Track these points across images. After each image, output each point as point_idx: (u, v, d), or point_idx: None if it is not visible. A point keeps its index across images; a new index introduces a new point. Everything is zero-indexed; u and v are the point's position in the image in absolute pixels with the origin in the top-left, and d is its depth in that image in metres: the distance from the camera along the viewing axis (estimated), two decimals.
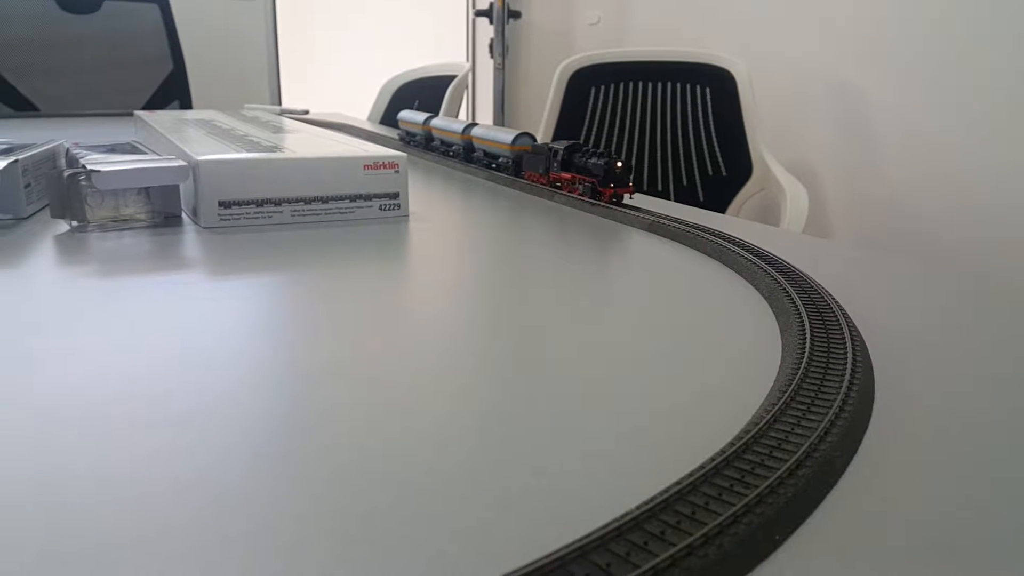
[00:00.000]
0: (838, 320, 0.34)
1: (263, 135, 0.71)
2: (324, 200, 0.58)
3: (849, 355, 0.29)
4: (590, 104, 1.56)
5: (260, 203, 0.56)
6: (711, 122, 1.50)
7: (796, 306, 0.36)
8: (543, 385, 0.29)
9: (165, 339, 0.33)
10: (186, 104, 1.85)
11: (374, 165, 0.59)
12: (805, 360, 0.29)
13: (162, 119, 0.89)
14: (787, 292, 0.38)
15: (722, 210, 1.42)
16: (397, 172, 0.60)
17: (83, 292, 0.39)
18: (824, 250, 0.54)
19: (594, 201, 0.64)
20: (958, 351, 0.34)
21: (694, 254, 0.51)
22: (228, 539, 0.19)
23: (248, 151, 0.58)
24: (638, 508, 0.19)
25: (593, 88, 1.56)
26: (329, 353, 0.32)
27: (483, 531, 0.20)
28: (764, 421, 0.24)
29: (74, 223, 0.54)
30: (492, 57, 2.74)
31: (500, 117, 2.75)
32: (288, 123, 0.89)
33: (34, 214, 0.59)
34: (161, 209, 0.57)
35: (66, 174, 0.52)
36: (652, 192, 1.53)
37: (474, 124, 0.87)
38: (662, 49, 1.57)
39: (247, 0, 2.39)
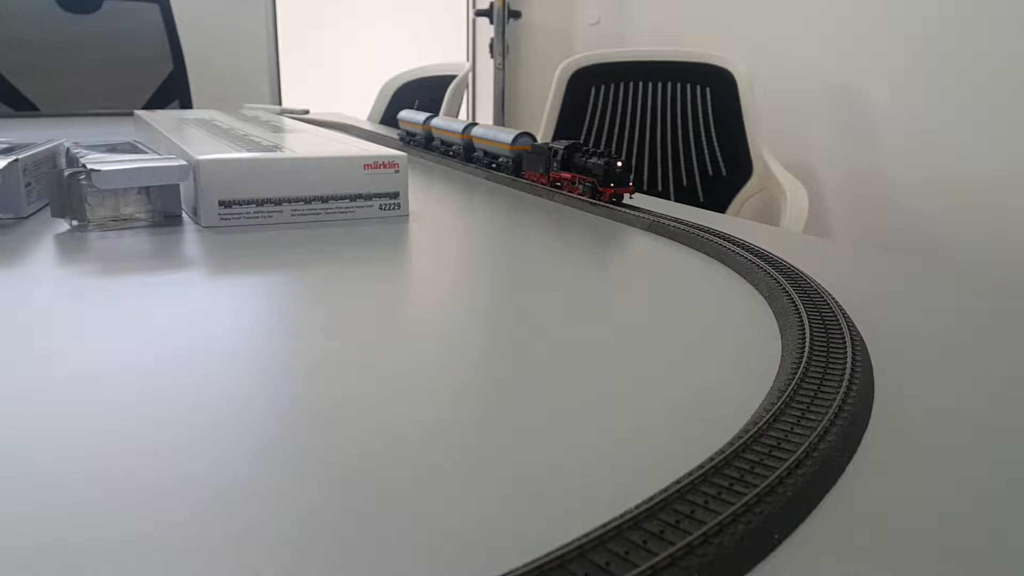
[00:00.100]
0: (838, 320, 0.34)
1: (263, 135, 0.71)
2: (324, 200, 0.58)
3: (849, 355, 0.30)
4: (590, 104, 1.56)
5: (260, 203, 0.56)
6: (711, 122, 1.50)
7: (796, 306, 0.36)
8: (542, 384, 0.29)
9: (165, 338, 0.33)
10: (186, 104, 1.85)
11: (374, 165, 0.59)
12: (805, 360, 0.29)
13: (162, 119, 0.89)
14: (787, 292, 0.38)
15: (722, 210, 1.42)
16: (397, 172, 0.60)
17: (83, 291, 0.39)
18: (824, 250, 0.54)
19: (594, 201, 0.64)
20: (958, 351, 0.34)
21: (694, 254, 0.51)
22: (228, 538, 0.19)
23: (248, 151, 0.58)
24: (637, 507, 0.19)
25: (593, 88, 1.56)
26: (329, 353, 0.32)
27: (483, 530, 0.20)
28: (764, 420, 0.24)
29: (74, 222, 0.54)
30: (492, 57, 2.74)
31: (500, 117, 2.75)
32: (288, 123, 0.89)
33: (34, 213, 0.59)
34: (161, 209, 0.57)
35: (66, 173, 0.52)
36: (652, 192, 1.53)
37: (474, 124, 0.87)
38: (662, 49, 1.57)
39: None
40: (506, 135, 0.78)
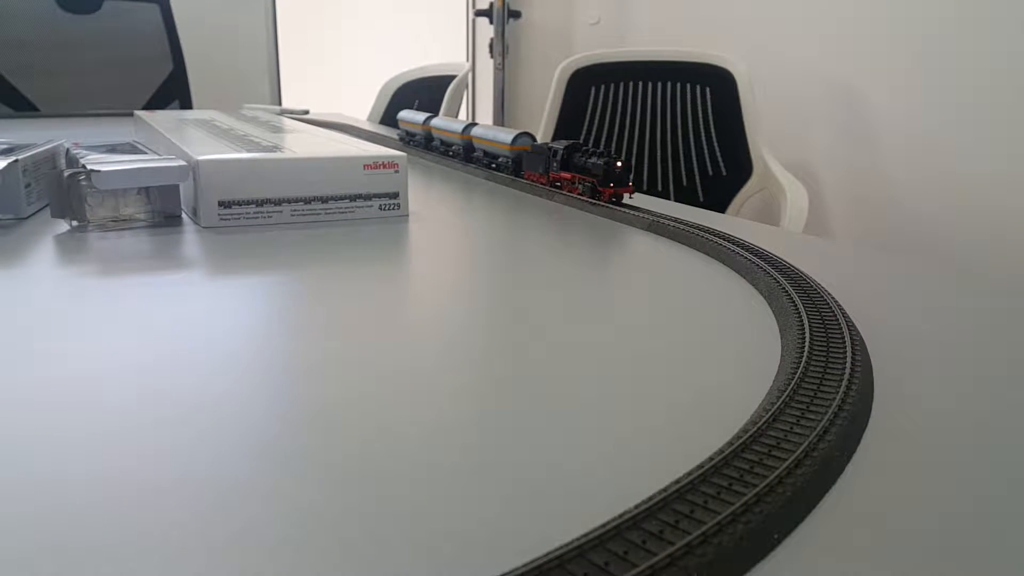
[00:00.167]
0: (837, 320, 0.34)
1: (263, 135, 0.71)
2: (324, 200, 0.58)
3: (848, 355, 0.30)
4: (590, 104, 1.56)
5: (260, 203, 0.56)
6: (711, 122, 1.50)
7: (795, 305, 0.36)
8: (542, 384, 0.29)
9: (165, 338, 0.33)
10: (186, 104, 1.85)
11: (374, 165, 0.59)
12: (804, 359, 0.29)
13: (162, 119, 0.89)
14: (786, 291, 0.38)
15: (722, 210, 1.42)
16: (397, 172, 0.60)
17: (83, 292, 0.39)
18: (824, 250, 0.54)
19: (594, 201, 0.64)
20: (958, 351, 0.34)
21: (694, 254, 0.51)
22: (228, 538, 0.19)
23: (248, 151, 0.58)
24: (636, 507, 0.19)
25: (593, 88, 1.56)
26: (328, 353, 0.32)
27: (482, 530, 0.20)
28: (763, 420, 0.24)
29: (74, 223, 0.54)
30: (492, 57, 2.74)
31: (500, 117, 2.75)
32: (288, 123, 0.89)
33: (34, 214, 0.59)
34: (161, 209, 0.57)
35: (66, 174, 0.52)
36: (652, 192, 1.53)
37: (474, 124, 0.87)
38: (662, 49, 1.57)
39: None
40: (506, 135, 0.78)
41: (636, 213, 0.59)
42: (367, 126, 1.46)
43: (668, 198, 1.49)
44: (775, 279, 0.40)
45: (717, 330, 0.36)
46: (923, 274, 0.47)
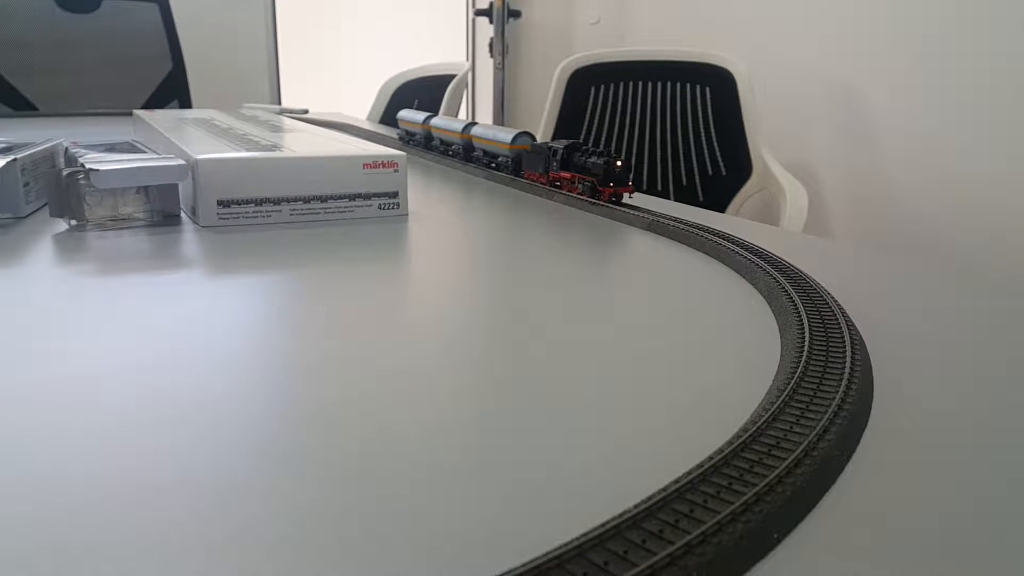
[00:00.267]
0: (837, 319, 0.34)
1: (262, 134, 0.71)
2: (323, 199, 0.58)
3: (848, 354, 0.29)
4: (590, 103, 1.56)
5: (259, 202, 0.56)
6: (711, 122, 1.50)
7: (795, 305, 0.36)
8: (542, 384, 0.29)
9: (164, 338, 0.33)
10: (185, 103, 1.85)
11: (373, 164, 0.59)
12: (804, 359, 0.29)
13: (161, 118, 0.89)
14: (786, 291, 0.38)
15: (722, 210, 1.42)
16: (396, 171, 0.60)
17: (82, 291, 0.39)
18: (824, 250, 0.54)
19: (594, 200, 0.64)
20: (958, 351, 0.34)
21: (694, 253, 0.50)
22: (227, 537, 0.19)
23: (247, 150, 0.58)
24: (636, 506, 0.19)
25: (593, 87, 1.56)
26: (328, 352, 0.32)
27: (482, 530, 0.20)
28: (763, 420, 0.24)
29: (73, 222, 0.54)
30: (492, 56, 2.74)
31: (500, 116, 2.74)
32: (287, 122, 0.89)
33: (33, 213, 0.59)
34: (160, 208, 0.57)
35: (65, 173, 0.52)
36: (652, 192, 1.53)
37: (474, 123, 0.87)
38: (662, 49, 1.57)
39: None
40: (505, 135, 0.78)
41: (636, 213, 0.59)
42: (367, 125, 1.45)
43: (668, 198, 1.49)
44: (775, 279, 0.40)
45: (717, 330, 0.36)
46: (923, 274, 0.47)
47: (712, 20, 1.99)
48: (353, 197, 0.59)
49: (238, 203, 0.55)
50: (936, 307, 0.40)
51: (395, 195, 0.61)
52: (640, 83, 1.54)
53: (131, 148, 0.64)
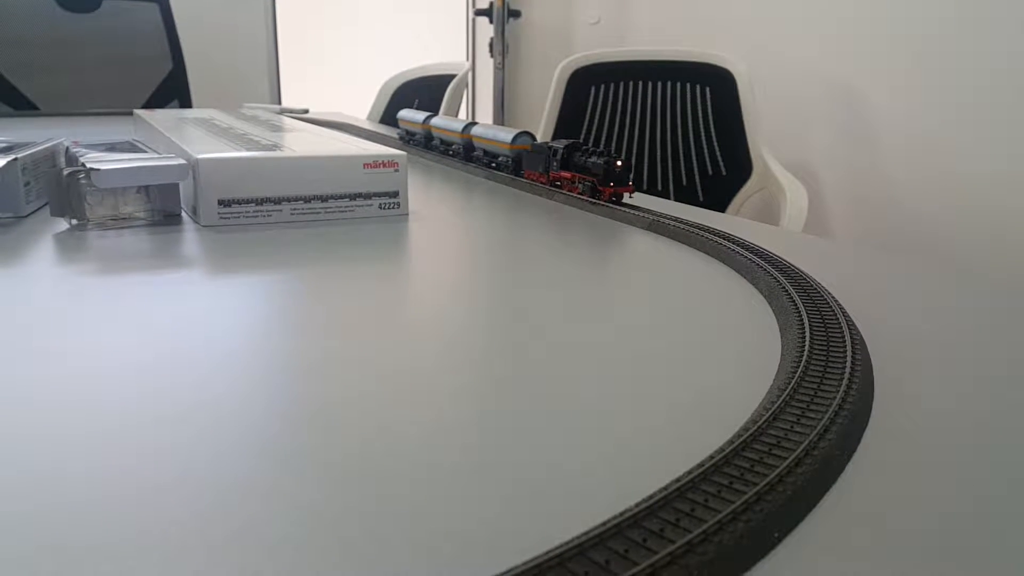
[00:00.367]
0: (837, 319, 0.34)
1: (263, 134, 0.71)
2: (324, 199, 0.58)
3: (848, 354, 0.29)
4: (590, 103, 1.56)
5: (260, 202, 0.56)
6: (711, 122, 1.50)
7: (795, 305, 0.36)
8: (542, 383, 0.29)
9: (164, 337, 0.33)
10: (186, 103, 1.85)
11: (374, 164, 0.59)
12: (804, 358, 0.29)
13: (162, 118, 0.89)
14: (786, 291, 0.38)
15: (722, 210, 1.42)
16: (397, 171, 0.60)
17: (82, 290, 0.39)
18: (824, 249, 0.54)
19: (594, 200, 0.64)
20: (958, 351, 0.34)
21: (694, 253, 0.51)
22: (227, 536, 0.19)
23: (248, 150, 0.58)
24: (637, 505, 0.19)
25: (593, 87, 1.56)
26: (328, 352, 0.32)
27: (482, 530, 0.20)
28: (763, 419, 0.24)
29: (73, 221, 0.54)
30: (492, 56, 2.74)
31: (500, 116, 2.74)
32: (287, 122, 0.89)
33: (34, 212, 0.59)
34: (160, 208, 0.57)
35: (66, 172, 0.52)
36: (652, 191, 1.53)
37: (474, 123, 0.87)
38: (662, 49, 1.57)
39: None
40: (506, 134, 0.78)
41: (636, 212, 0.59)
42: (367, 125, 1.45)
43: (668, 198, 1.49)
44: (775, 278, 0.40)
45: (717, 329, 0.36)
46: (923, 274, 0.47)
47: (712, 20, 1.99)
48: (353, 197, 0.59)
49: (239, 202, 0.56)
50: (936, 307, 0.40)
51: (395, 195, 0.61)
52: (640, 83, 1.54)
53: (132, 148, 0.64)
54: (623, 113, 1.55)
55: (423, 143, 1.01)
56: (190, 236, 0.52)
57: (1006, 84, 1.42)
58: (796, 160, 1.74)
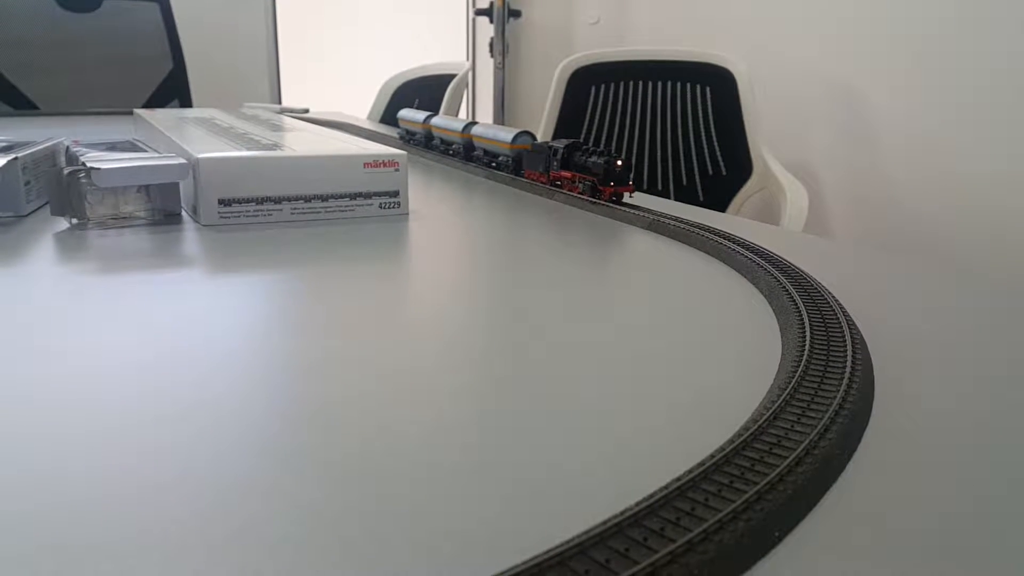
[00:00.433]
0: (838, 318, 0.34)
1: (263, 133, 0.71)
2: (324, 198, 0.58)
3: (849, 353, 0.29)
4: (590, 103, 1.56)
5: (260, 201, 0.56)
6: (711, 121, 1.50)
7: (796, 304, 0.36)
8: (542, 383, 0.29)
9: (165, 336, 0.33)
10: (186, 103, 1.85)
11: (374, 163, 0.59)
12: (805, 358, 0.29)
13: (162, 117, 0.89)
14: (787, 290, 0.38)
15: (722, 209, 1.42)
16: (397, 170, 0.60)
17: (83, 289, 0.39)
18: (824, 249, 0.54)
19: (594, 200, 0.64)
20: (958, 351, 0.34)
21: (694, 252, 0.51)
22: (227, 536, 0.19)
23: (248, 149, 0.58)
24: (638, 504, 0.19)
25: (593, 87, 1.56)
26: (328, 351, 0.32)
27: (483, 529, 0.20)
28: (764, 418, 0.24)
29: (74, 221, 0.54)
30: (492, 56, 2.74)
31: (500, 116, 2.74)
32: (288, 121, 0.89)
33: (34, 212, 0.59)
34: (161, 207, 0.57)
35: (66, 171, 0.52)
36: (652, 191, 1.53)
37: (474, 123, 0.87)
38: (662, 48, 1.57)
39: None
40: (506, 134, 0.78)
41: (636, 212, 0.59)
42: (367, 125, 1.45)
43: (668, 198, 1.49)
44: (775, 278, 0.40)
45: (718, 329, 0.36)
46: (923, 274, 0.47)
47: (712, 20, 1.99)
48: (354, 196, 0.59)
49: (239, 202, 0.56)
50: (936, 307, 0.40)
51: (396, 194, 0.61)
52: (640, 83, 1.54)
53: (132, 147, 0.64)
54: (623, 113, 1.55)
55: (423, 143, 1.01)
56: (190, 235, 0.52)
57: (1006, 84, 1.42)
58: (796, 160, 1.74)
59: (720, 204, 1.47)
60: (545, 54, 2.56)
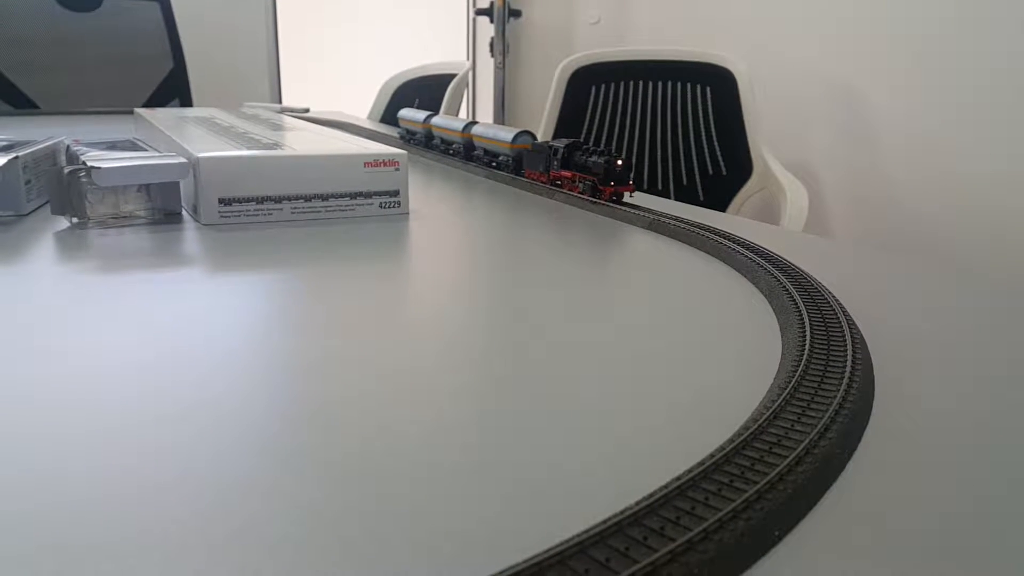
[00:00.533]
0: (838, 318, 0.34)
1: (263, 133, 0.71)
2: (324, 198, 0.58)
3: (849, 353, 0.29)
4: (590, 103, 1.56)
5: (260, 200, 0.56)
6: (711, 121, 1.50)
7: (796, 304, 0.36)
8: (542, 383, 0.29)
9: (165, 336, 0.33)
10: (186, 102, 1.85)
11: (374, 163, 0.59)
12: (805, 357, 0.29)
13: (162, 117, 0.89)
14: (787, 290, 0.38)
15: (722, 209, 1.42)
16: (397, 170, 0.60)
17: (83, 289, 0.39)
18: (824, 249, 0.54)
19: (594, 199, 0.64)
20: (958, 350, 0.34)
21: (694, 252, 0.51)
22: (228, 535, 0.19)
23: (248, 148, 0.58)
24: (638, 503, 0.19)
25: (593, 87, 1.56)
26: (328, 351, 0.32)
27: (483, 529, 0.20)
28: (764, 418, 0.24)
29: (74, 220, 0.54)
30: (492, 56, 2.74)
31: (500, 115, 2.74)
32: (288, 121, 0.89)
33: (34, 211, 0.59)
34: (161, 206, 0.57)
35: (66, 171, 0.52)
36: (652, 191, 1.52)
37: (474, 122, 0.87)
38: (662, 48, 1.57)
39: None
40: (506, 134, 0.78)
41: (636, 212, 0.59)
42: (367, 124, 1.45)
43: (668, 197, 1.49)
44: (776, 277, 0.40)
45: (718, 328, 0.36)
46: (923, 274, 0.47)
47: (712, 20, 1.99)
48: (354, 195, 0.59)
49: (239, 201, 0.56)
50: (936, 307, 0.40)
51: (396, 194, 0.61)
52: (640, 83, 1.54)
53: (132, 146, 0.64)
54: (623, 113, 1.55)
55: (423, 142, 1.01)
56: (191, 235, 0.52)
57: (1006, 84, 1.42)
58: (796, 160, 1.74)
59: (720, 204, 1.47)
60: (545, 54, 2.56)
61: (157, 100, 1.81)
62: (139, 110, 1.00)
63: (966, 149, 1.50)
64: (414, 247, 0.51)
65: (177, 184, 0.57)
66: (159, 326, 0.34)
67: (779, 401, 0.25)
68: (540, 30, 2.70)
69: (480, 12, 2.77)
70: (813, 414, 0.25)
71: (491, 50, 2.74)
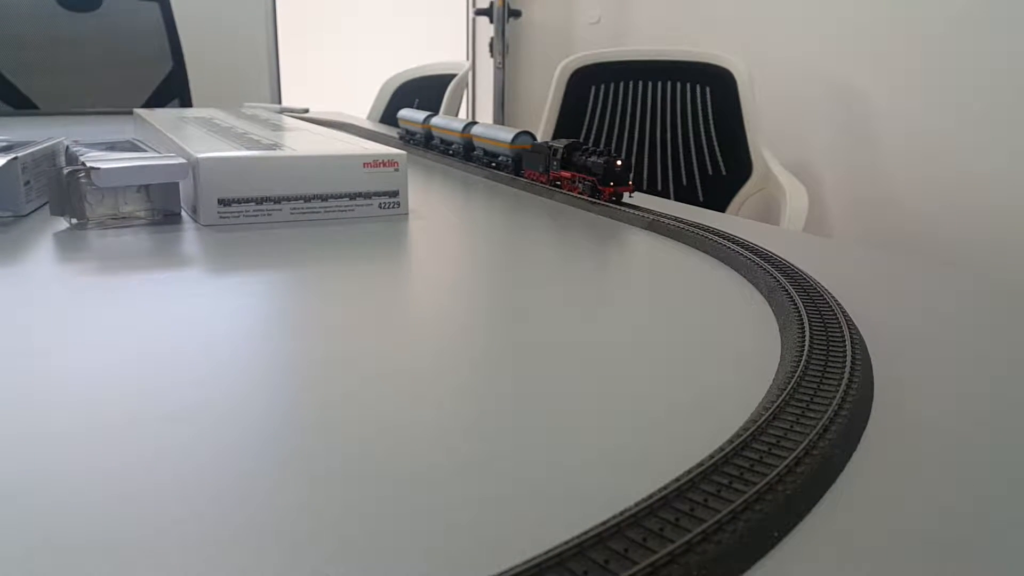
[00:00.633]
0: (837, 319, 0.34)
1: (263, 133, 0.71)
2: (324, 198, 0.58)
3: (848, 353, 0.29)
4: (590, 103, 1.56)
5: (260, 201, 0.56)
6: (711, 121, 1.50)
7: (795, 304, 0.36)
8: (542, 383, 0.29)
9: (165, 336, 0.33)
10: (186, 102, 1.85)
11: (374, 163, 0.59)
12: (804, 358, 0.29)
13: (162, 117, 0.89)
14: (786, 290, 0.38)
15: (722, 209, 1.42)
16: (397, 170, 0.60)
17: (82, 289, 0.39)
18: (824, 249, 0.54)
19: (594, 200, 0.64)
20: (958, 351, 0.34)
21: (694, 252, 0.51)
22: (226, 536, 0.19)
23: (248, 149, 0.58)
24: (637, 505, 0.19)
25: (593, 87, 1.56)
26: (328, 351, 0.32)
27: (482, 529, 0.20)
28: (763, 419, 0.24)
29: (73, 220, 0.54)
30: (492, 56, 2.74)
31: (500, 116, 2.74)
32: (288, 121, 0.89)
33: (34, 211, 0.59)
34: (161, 207, 0.57)
35: (66, 171, 0.52)
36: (652, 191, 1.52)
37: (474, 123, 0.87)
38: (662, 48, 1.57)
39: None
40: (506, 134, 0.78)
41: (636, 212, 0.59)
42: (367, 125, 1.45)
43: (668, 198, 1.49)
44: (775, 278, 0.40)
45: (717, 329, 0.36)
46: (923, 274, 0.47)
47: (712, 20, 1.99)
48: (354, 196, 0.59)
49: (239, 202, 0.56)
50: (936, 307, 0.40)
51: (395, 194, 0.61)
52: (640, 83, 1.54)
53: (132, 147, 0.64)
54: (623, 113, 1.55)
55: (423, 143, 1.01)
56: (190, 235, 0.52)
57: (1006, 84, 1.42)
58: (796, 160, 1.74)
59: (720, 204, 1.47)
60: (545, 54, 2.56)
61: (157, 100, 1.81)
62: (138, 110, 1.00)
63: (966, 149, 1.50)
64: (414, 247, 0.51)
65: (176, 185, 0.57)
66: (158, 327, 0.34)
67: (778, 402, 0.25)
68: (540, 30, 2.70)
69: (480, 12, 2.77)
70: (812, 415, 0.25)
71: (491, 50, 2.74)
